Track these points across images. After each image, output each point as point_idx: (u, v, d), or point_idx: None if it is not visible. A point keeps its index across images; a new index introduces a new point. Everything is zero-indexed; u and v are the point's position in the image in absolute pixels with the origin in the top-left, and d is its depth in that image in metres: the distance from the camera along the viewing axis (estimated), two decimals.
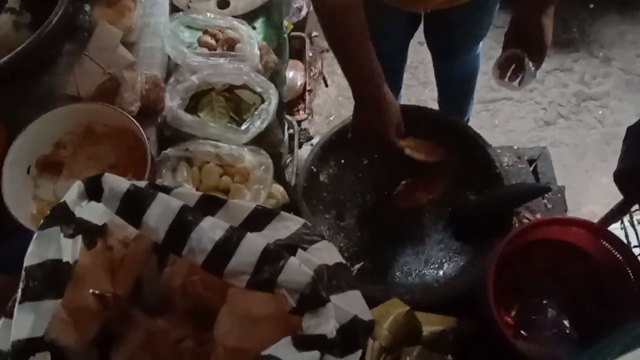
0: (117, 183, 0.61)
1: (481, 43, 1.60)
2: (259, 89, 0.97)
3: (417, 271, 1.16)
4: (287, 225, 0.65)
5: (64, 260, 0.57)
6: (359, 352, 0.55)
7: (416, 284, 1.13)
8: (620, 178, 1.00)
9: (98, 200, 0.62)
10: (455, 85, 1.81)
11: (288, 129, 1.61)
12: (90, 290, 0.66)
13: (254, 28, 1.10)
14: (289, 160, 1.60)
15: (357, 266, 1.11)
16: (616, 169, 1.01)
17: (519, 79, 1.13)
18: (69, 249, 0.60)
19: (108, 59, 0.95)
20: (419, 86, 2.29)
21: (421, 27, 1.53)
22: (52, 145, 0.97)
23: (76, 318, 0.65)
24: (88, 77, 0.94)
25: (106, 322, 0.69)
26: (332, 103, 2.25)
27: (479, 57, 1.69)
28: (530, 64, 1.07)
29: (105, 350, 0.69)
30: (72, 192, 0.60)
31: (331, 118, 2.22)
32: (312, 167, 1.24)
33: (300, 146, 1.82)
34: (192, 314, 0.72)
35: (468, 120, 1.94)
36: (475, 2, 1.27)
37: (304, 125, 2.04)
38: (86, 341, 0.67)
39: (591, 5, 2.39)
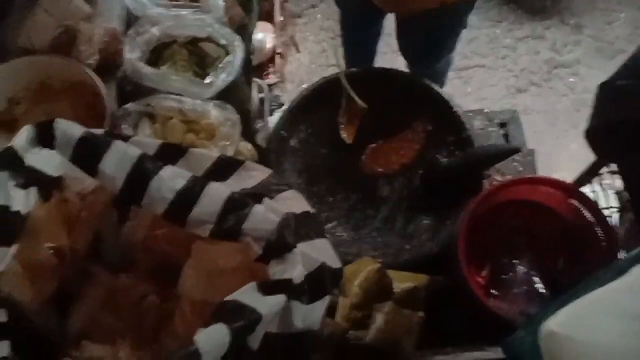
0: (70, 129, 0.58)
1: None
2: (223, 42, 0.93)
3: (389, 235, 1.15)
4: (253, 175, 0.63)
5: (15, 209, 0.54)
6: (327, 299, 0.54)
7: (388, 248, 1.12)
8: (592, 135, 1.00)
9: (51, 147, 0.58)
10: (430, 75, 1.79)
11: (259, 92, 1.57)
12: (46, 245, 0.63)
13: None
14: (260, 125, 1.56)
15: (330, 225, 1.10)
16: (587, 126, 1.01)
17: None
18: (22, 199, 0.57)
19: (63, 11, 0.89)
20: (393, 54, 2.25)
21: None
22: (5, 102, 0.91)
23: (32, 273, 0.62)
24: (42, 30, 0.89)
25: (65, 279, 0.66)
26: (304, 70, 2.21)
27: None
28: None
29: (64, 308, 0.66)
30: (21, 137, 0.56)
31: (304, 86, 2.19)
32: (283, 132, 1.21)
33: (271, 113, 1.79)
34: (156, 271, 0.69)
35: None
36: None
37: (276, 92, 2.01)
38: (44, 298, 0.63)
39: None
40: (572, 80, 2.18)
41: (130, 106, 0.88)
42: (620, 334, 0.44)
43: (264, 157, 1.12)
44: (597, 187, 1.36)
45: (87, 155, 0.58)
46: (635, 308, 0.45)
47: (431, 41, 1.41)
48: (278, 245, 0.53)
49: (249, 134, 1.05)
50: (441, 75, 1.68)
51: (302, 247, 0.54)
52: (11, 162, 0.55)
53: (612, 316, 0.46)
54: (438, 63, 1.55)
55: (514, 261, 1.06)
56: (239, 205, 0.56)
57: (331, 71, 2.29)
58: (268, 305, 0.47)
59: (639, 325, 0.44)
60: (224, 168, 0.63)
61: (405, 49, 1.53)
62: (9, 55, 0.92)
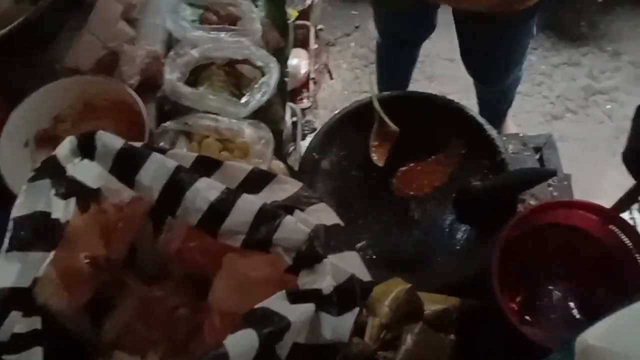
0: (110, 141, 0.60)
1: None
2: (259, 63, 0.96)
3: (421, 258, 1.14)
4: (285, 188, 0.64)
5: (54, 216, 0.56)
6: (356, 311, 0.53)
7: (420, 271, 1.11)
8: (629, 157, 0.98)
9: (91, 158, 0.60)
10: (498, 98, 1.78)
11: (292, 116, 1.59)
12: (83, 254, 0.65)
13: (256, 5, 1.09)
14: (292, 148, 1.59)
15: (358, 245, 1.10)
16: (625, 148, 0.98)
17: None
18: (61, 208, 0.59)
19: (108, 33, 0.94)
20: (425, 80, 2.28)
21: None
22: (51, 119, 0.96)
23: (68, 281, 0.64)
24: (88, 51, 0.93)
25: (99, 288, 0.68)
26: (337, 97, 2.25)
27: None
28: None
29: (98, 316, 0.68)
30: (63, 147, 0.59)
31: (336, 112, 2.21)
32: (314, 154, 1.22)
33: (303, 137, 1.81)
34: (188, 282, 0.71)
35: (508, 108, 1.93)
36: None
37: (309, 117, 2.03)
38: (79, 306, 0.65)
39: None
40: (609, 107, 2.15)
41: (168, 124, 0.91)
42: None
43: (295, 178, 1.13)
44: (635, 214, 1.32)
45: (126, 166, 0.60)
46: None
47: (498, 53, 1.38)
48: (308, 256, 0.54)
49: (281, 153, 1.07)
50: (511, 92, 1.66)
51: (331, 259, 0.55)
52: (53, 171, 0.57)
53: None
54: (509, 77, 1.50)
55: (550, 286, 1.03)
56: (270, 216, 0.57)
57: (363, 97, 2.32)
58: (296, 312, 0.47)
59: None
60: (257, 181, 0.64)
61: (472, 66, 1.50)
62: (56, 74, 0.97)
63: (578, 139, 2.08)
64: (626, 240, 1.00)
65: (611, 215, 1.02)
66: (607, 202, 1.27)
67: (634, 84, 2.19)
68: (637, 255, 0.98)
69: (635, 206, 1.28)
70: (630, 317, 0.46)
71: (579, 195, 1.43)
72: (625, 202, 1.23)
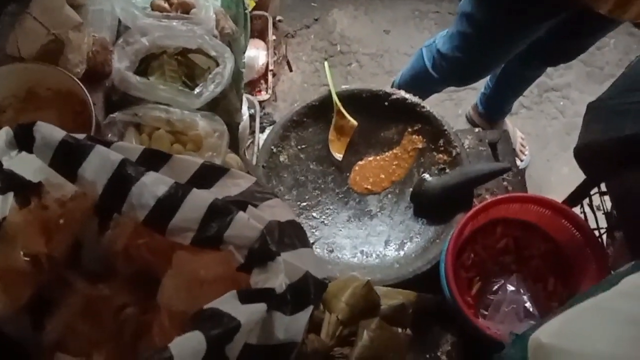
0: (50, 132, 0.57)
1: None
2: (213, 53, 0.92)
3: (377, 252, 1.14)
4: (238, 183, 0.62)
5: None
6: (310, 309, 0.52)
7: (376, 265, 1.11)
8: (580, 154, 1.00)
9: (29, 150, 0.57)
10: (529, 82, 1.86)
11: (249, 108, 1.56)
12: (22, 251, 0.61)
13: None
14: (249, 141, 1.56)
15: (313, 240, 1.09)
16: (577, 145, 1.00)
17: None
18: None
19: (53, 19, 0.89)
20: (385, 75, 2.28)
21: None
22: None
23: (6, 280, 0.60)
24: (30, 37, 0.88)
25: (40, 287, 0.64)
26: (297, 89, 2.22)
27: None
28: None
29: (39, 317, 0.64)
30: None
31: (296, 105, 2.19)
32: (272, 147, 1.21)
33: (262, 130, 1.78)
34: (136, 281, 0.67)
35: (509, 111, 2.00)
36: None
37: (268, 109, 2.00)
38: (17, 306, 0.61)
39: None
40: (562, 103, 2.20)
41: (116, 115, 0.87)
42: (616, 341, 0.42)
43: (251, 172, 1.11)
44: (586, 208, 1.35)
45: (67, 159, 0.57)
46: (631, 312, 0.43)
47: (598, 37, 1.50)
48: (260, 253, 0.52)
49: (236, 146, 1.04)
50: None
51: (285, 256, 0.53)
52: None
53: (606, 323, 0.43)
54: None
55: (503, 280, 1.04)
56: (221, 212, 0.55)
57: (323, 90, 2.29)
58: (247, 313, 0.45)
59: (636, 330, 0.42)
60: (208, 175, 0.62)
61: (564, 50, 1.56)
62: None
63: (532, 134, 2.13)
64: (577, 234, 1.02)
65: (563, 209, 1.04)
66: (560, 197, 1.29)
67: (584, 82, 2.25)
68: (587, 248, 1.00)
69: (585, 200, 1.31)
70: (581, 314, 0.47)
71: (532, 189, 1.47)
72: (576, 197, 1.26)
